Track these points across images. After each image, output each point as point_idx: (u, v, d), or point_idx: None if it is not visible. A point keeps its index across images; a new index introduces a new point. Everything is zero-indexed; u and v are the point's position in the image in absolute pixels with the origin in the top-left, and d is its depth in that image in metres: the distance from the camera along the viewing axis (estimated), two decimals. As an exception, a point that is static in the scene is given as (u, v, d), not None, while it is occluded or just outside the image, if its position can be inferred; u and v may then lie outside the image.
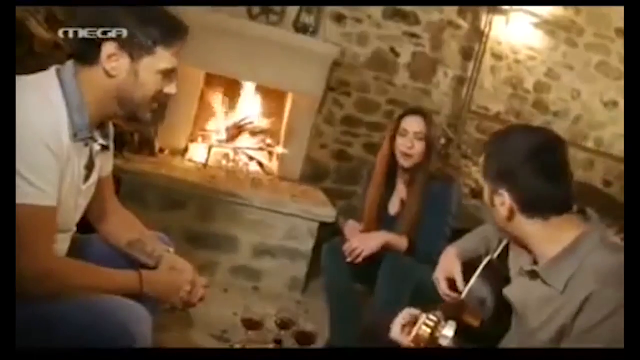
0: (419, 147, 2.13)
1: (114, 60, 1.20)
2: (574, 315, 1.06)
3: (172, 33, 1.24)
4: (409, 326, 1.24)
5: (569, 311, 1.07)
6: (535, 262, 1.21)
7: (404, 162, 2.15)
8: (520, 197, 1.14)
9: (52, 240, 1.21)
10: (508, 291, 1.28)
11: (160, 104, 1.33)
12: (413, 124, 2.14)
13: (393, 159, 2.20)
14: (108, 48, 1.19)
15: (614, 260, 1.08)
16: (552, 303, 1.12)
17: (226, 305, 2.41)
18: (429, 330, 1.16)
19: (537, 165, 1.13)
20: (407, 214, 2.17)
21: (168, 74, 1.27)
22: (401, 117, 2.20)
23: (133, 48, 1.20)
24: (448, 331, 1.17)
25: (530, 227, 1.16)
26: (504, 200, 1.16)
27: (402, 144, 2.14)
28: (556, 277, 1.12)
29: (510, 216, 1.16)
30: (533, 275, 1.19)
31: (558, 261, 1.13)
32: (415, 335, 1.17)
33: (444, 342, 1.16)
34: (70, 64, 1.23)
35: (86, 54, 1.21)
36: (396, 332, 1.28)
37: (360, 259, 2.08)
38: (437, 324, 1.18)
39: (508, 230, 1.23)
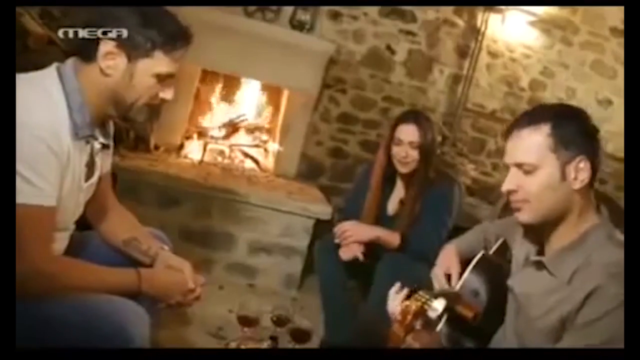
0: (414, 154, 2.11)
1: (110, 58, 1.18)
2: (577, 307, 1.07)
3: (173, 38, 1.21)
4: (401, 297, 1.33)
5: (573, 303, 1.08)
6: (540, 253, 1.22)
7: (401, 169, 2.16)
8: (594, 164, 1.12)
9: (50, 240, 1.20)
10: (512, 281, 1.29)
11: (154, 106, 1.31)
12: (407, 133, 2.11)
13: (390, 164, 2.19)
14: (106, 46, 1.17)
15: (621, 256, 1.09)
16: (556, 293, 1.13)
17: (222, 302, 2.41)
18: (419, 303, 1.20)
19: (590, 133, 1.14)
20: (405, 215, 2.16)
21: (164, 79, 1.25)
22: (395, 125, 2.17)
23: (131, 48, 1.18)
24: (437, 304, 1.20)
25: (580, 201, 1.14)
26: (582, 167, 1.11)
27: (397, 152, 2.14)
28: (562, 269, 1.13)
29: (590, 184, 1.13)
30: (539, 265, 1.20)
31: (564, 253, 1.14)
32: (405, 305, 1.21)
33: (433, 314, 1.20)
34: (70, 61, 1.22)
35: (84, 50, 1.20)
36: (391, 303, 1.38)
37: (346, 242, 2.09)
38: (428, 299, 1.21)
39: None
